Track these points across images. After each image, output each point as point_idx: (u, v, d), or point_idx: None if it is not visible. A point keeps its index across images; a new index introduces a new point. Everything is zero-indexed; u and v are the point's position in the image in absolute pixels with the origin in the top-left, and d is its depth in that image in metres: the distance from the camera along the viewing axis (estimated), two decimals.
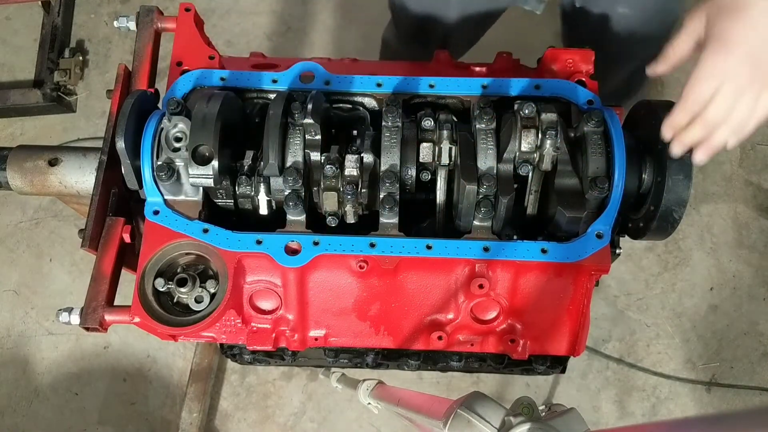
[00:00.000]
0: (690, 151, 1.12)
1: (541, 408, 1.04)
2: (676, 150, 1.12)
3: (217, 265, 1.22)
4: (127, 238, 1.28)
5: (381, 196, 1.21)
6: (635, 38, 1.60)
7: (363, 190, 1.24)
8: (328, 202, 1.22)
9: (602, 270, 1.21)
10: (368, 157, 1.26)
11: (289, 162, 1.23)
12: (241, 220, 1.30)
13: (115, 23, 1.47)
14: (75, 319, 1.23)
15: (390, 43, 2.02)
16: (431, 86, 1.34)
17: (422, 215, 1.33)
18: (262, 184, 1.24)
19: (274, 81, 1.35)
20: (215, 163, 1.17)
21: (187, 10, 1.43)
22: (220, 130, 1.18)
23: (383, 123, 1.25)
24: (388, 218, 1.23)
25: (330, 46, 2.80)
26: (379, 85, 1.34)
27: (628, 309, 2.42)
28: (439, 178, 1.25)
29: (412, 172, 1.26)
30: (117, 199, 1.34)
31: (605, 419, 2.32)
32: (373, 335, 1.31)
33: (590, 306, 1.25)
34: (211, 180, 1.19)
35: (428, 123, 1.27)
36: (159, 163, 1.22)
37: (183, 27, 1.42)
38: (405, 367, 1.71)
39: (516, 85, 1.33)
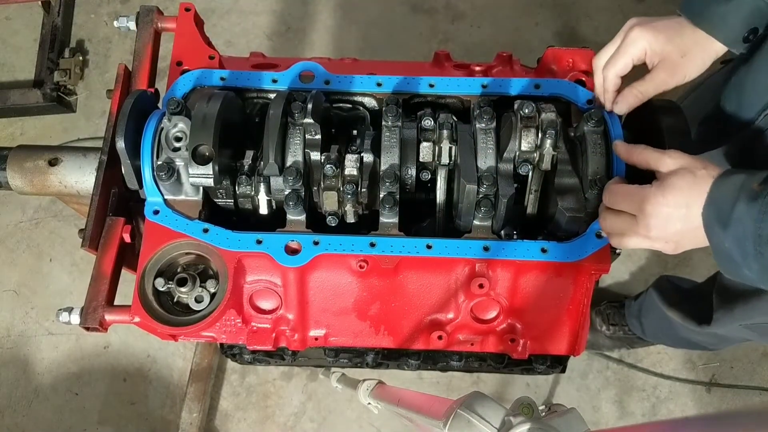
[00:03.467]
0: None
1: (541, 408, 1.03)
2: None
3: (217, 265, 1.22)
4: (127, 238, 1.28)
5: (381, 196, 1.21)
6: None
7: (363, 190, 1.24)
8: (328, 201, 1.22)
9: (602, 270, 1.21)
10: (368, 157, 1.26)
11: (289, 162, 1.23)
12: (241, 219, 1.30)
13: (115, 23, 1.47)
14: (75, 319, 1.23)
15: None
16: (431, 86, 1.34)
17: (422, 215, 1.33)
18: (262, 183, 1.24)
19: (274, 81, 1.35)
20: (215, 163, 1.17)
21: (187, 10, 1.43)
22: (220, 130, 1.18)
23: (383, 123, 1.25)
24: (388, 218, 1.23)
25: (330, 46, 2.81)
26: (379, 84, 1.34)
27: None
28: (439, 178, 1.25)
29: (412, 171, 1.26)
30: (117, 199, 1.34)
31: (605, 419, 2.32)
32: (373, 335, 1.30)
33: (590, 306, 1.26)
34: (211, 180, 1.19)
35: (428, 122, 1.27)
36: (159, 162, 1.22)
37: (183, 27, 1.42)
38: (405, 366, 1.71)
39: (516, 85, 1.33)
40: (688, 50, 1.15)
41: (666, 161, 1.05)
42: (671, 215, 1.02)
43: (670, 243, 1.06)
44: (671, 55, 1.16)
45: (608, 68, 1.22)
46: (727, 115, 1.28)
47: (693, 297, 1.85)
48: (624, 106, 1.22)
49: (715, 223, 0.97)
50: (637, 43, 1.17)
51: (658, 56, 1.17)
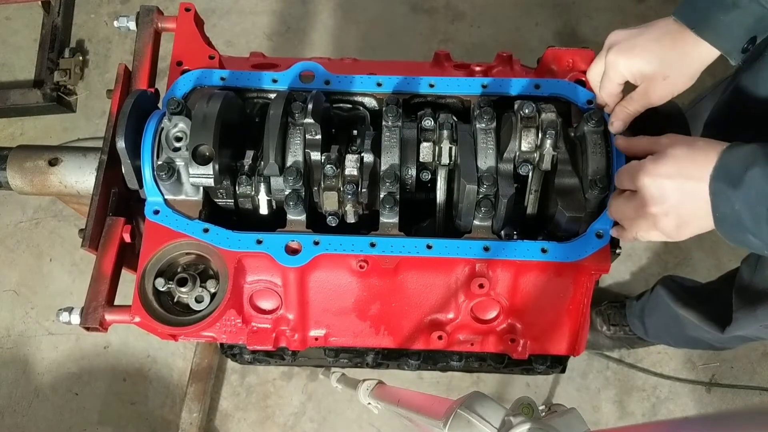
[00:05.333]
0: None
1: (541, 408, 1.03)
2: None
3: (217, 265, 1.22)
4: (127, 238, 1.28)
5: (381, 196, 1.21)
6: None
7: (363, 190, 1.24)
8: (329, 201, 1.22)
9: (602, 270, 1.21)
10: (368, 157, 1.26)
11: (289, 162, 1.23)
12: (242, 219, 1.30)
13: (115, 23, 1.47)
14: (75, 318, 1.23)
15: None
16: (431, 86, 1.34)
17: (422, 215, 1.33)
18: (262, 183, 1.24)
19: (274, 81, 1.35)
20: (215, 163, 1.17)
21: (187, 9, 1.43)
22: (220, 130, 1.18)
23: (383, 123, 1.26)
24: (389, 218, 1.23)
25: (330, 46, 2.80)
26: (379, 84, 1.34)
27: None
28: (439, 178, 1.26)
29: (413, 171, 1.26)
30: (117, 199, 1.34)
31: (605, 419, 2.32)
32: (373, 335, 1.31)
33: (591, 306, 1.26)
34: (212, 180, 1.19)
35: (428, 122, 1.27)
36: (159, 162, 1.22)
37: (183, 27, 1.42)
38: (405, 366, 1.71)
39: (516, 85, 1.33)
40: (671, 69, 1.12)
41: (662, 140, 1.07)
42: (665, 186, 1.01)
43: (671, 218, 1.03)
44: (653, 75, 1.13)
45: (601, 90, 1.24)
46: (733, 119, 1.28)
47: (707, 297, 1.82)
48: (619, 125, 1.23)
49: (725, 186, 0.94)
50: (615, 67, 1.16)
51: (640, 78, 1.15)
